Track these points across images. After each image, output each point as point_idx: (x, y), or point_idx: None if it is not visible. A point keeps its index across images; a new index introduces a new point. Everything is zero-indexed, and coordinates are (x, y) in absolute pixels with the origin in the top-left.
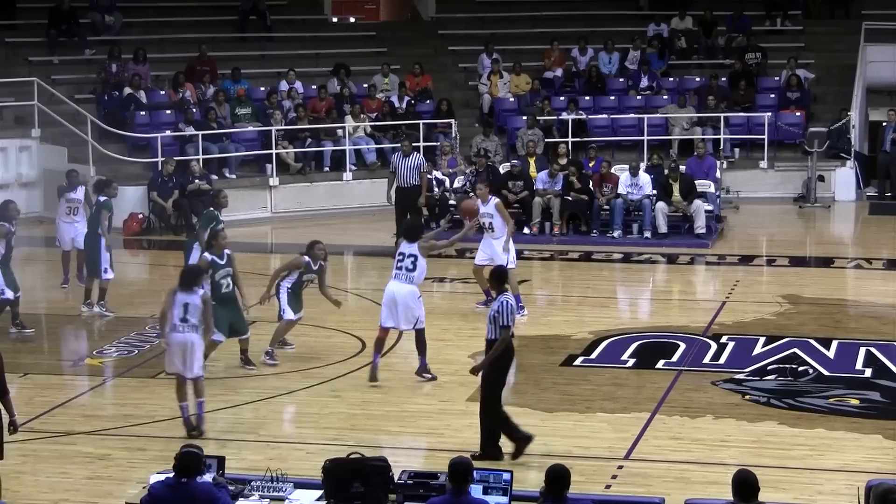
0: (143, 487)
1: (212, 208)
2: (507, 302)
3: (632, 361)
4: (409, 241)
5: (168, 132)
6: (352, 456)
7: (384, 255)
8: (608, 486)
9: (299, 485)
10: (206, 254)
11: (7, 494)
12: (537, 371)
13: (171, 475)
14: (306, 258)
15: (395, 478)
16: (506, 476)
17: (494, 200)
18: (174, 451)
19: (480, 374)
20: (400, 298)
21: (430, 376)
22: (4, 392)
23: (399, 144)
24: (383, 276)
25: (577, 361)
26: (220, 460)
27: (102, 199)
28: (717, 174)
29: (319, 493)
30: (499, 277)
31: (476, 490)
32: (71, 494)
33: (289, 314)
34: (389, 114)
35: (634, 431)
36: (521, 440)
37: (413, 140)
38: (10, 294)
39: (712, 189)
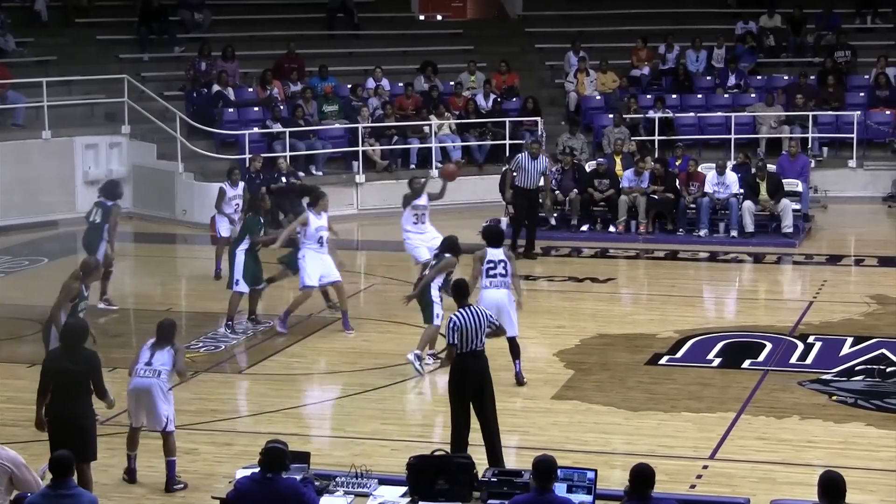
0: (230, 482)
1: (252, 213)
2: (450, 319)
3: (717, 361)
4: (494, 246)
5: (256, 129)
6: (436, 453)
7: (468, 252)
8: (693, 486)
9: (384, 481)
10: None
11: (96, 487)
12: (622, 369)
13: (257, 470)
14: (453, 257)
15: (480, 475)
16: (590, 474)
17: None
18: (260, 446)
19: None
20: (503, 305)
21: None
22: (103, 393)
23: (523, 144)
24: (465, 273)
25: (663, 360)
26: (306, 456)
27: (110, 203)
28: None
29: (404, 489)
30: (457, 291)
31: (560, 488)
32: (160, 487)
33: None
34: (474, 112)
35: (720, 431)
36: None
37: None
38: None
39: (800, 188)
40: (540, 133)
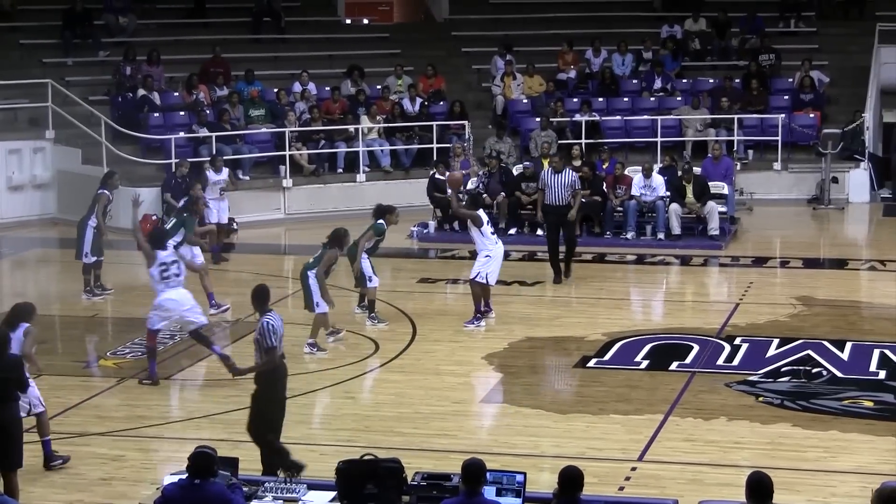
0: (157, 489)
1: (189, 213)
2: (268, 322)
3: (645, 363)
4: (162, 249)
5: (182, 134)
6: (365, 457)
7: (397, 257)
8: (621, 488)
9: (313, 486)
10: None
11: (22, 495)
12: (551, 372)
13: (185, 476)
14: (335, 249)
15: (409, 479)
16: (519, 477)
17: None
18: (187, 452)
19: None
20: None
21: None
22: (26, 385)
23: (549, 160)
24: (397, 278)
25: (591, 363)
26: (234, 461)
27: (100, 191)
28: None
29: (333, 494)
30: (259, 297)
31: (489, 491)
32: (85, 495)
33: (323, 307)
34: (400, 115)
35: (648, 433)
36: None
37: (563, 156)
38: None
39: (726, 191)
40: (467, 137)
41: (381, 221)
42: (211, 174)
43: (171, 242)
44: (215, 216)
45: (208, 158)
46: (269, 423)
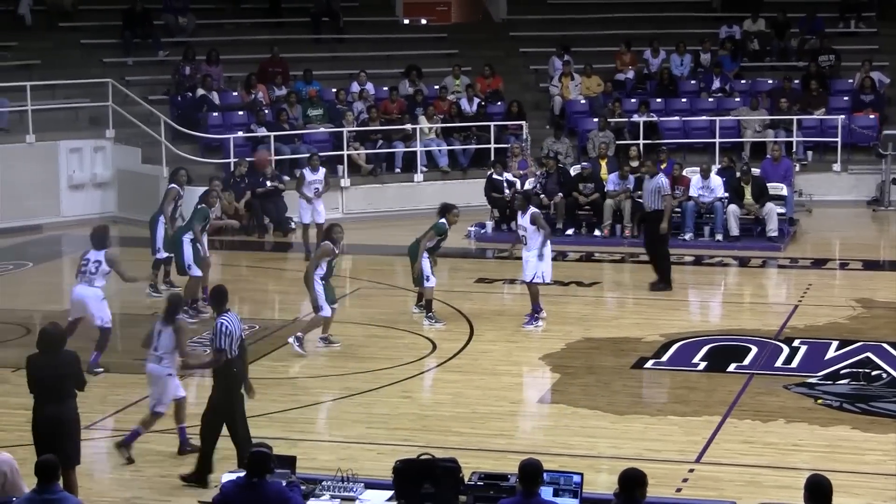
0: (215, 486)
1: (204, 205)
2: (221, 323)
3: (703, 364)
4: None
5: (240, 133)
6: (422, 457)
7: (454, 257)
8: (679, 490)
9: (370, 485)
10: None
11: (81, 492)
12: (607, 373)
13: (243, 475)
14: (329, 244)
15: (466, 479)
16: (576, 478)
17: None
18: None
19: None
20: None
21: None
22: (83, 383)
23: (642, 165)
24: (454, 278)
25: (648, 364)
26: (292, 460)
27: (170, 185)
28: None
29: (390, 493)
30: (216, 297)
31: (546, 492)
32: (144, 492)
33: (326, 311)
34: (458, 115)
35: (706, 435)
36: (201, 473)
37: (654, 160)
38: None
39: (785, 192)
40: (524, 137)
41: (442, 220)
42: (307, 173)
43: (187, 236)
44: (310, 216)
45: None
46: (219, 420)
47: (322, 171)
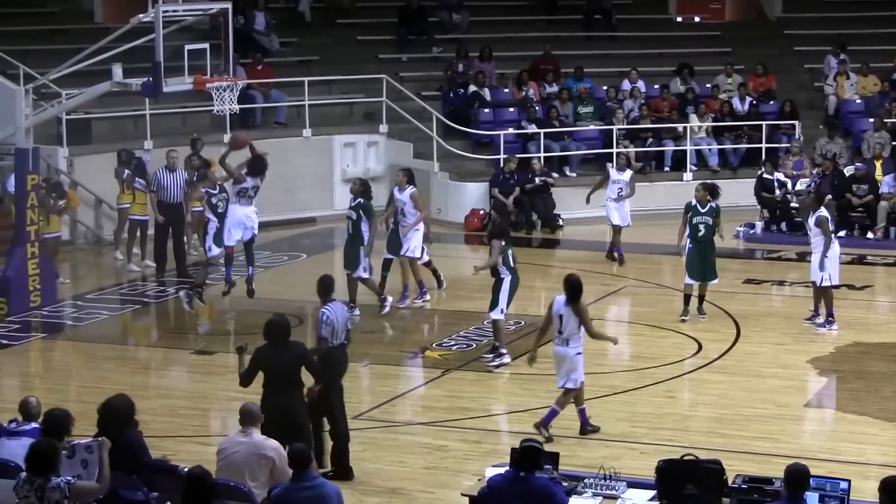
0: (479, 480)
1: (365, 199)
2: (324, 313)
3: None
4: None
5: (511, 130)
6: (686, 457)
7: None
8: None
9: (632, 484)
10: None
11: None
12: (878, 379)
13: (509, 468)
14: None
15: (729, 481)
16: (843, 485)
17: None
18: (508, 445)
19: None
20: None
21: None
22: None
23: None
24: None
25: None
26: (555, 456)
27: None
28: None
29: (652, 493)
30: (322, 287)
31: (811, 498)
32: (408, 483)
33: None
34: (729, 114)
35: None
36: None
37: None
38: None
39: None
40: (797, 136)
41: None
42: (613, 171)
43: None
44: (618, 218)
45: (535, 155)
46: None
47: (629, 171)
